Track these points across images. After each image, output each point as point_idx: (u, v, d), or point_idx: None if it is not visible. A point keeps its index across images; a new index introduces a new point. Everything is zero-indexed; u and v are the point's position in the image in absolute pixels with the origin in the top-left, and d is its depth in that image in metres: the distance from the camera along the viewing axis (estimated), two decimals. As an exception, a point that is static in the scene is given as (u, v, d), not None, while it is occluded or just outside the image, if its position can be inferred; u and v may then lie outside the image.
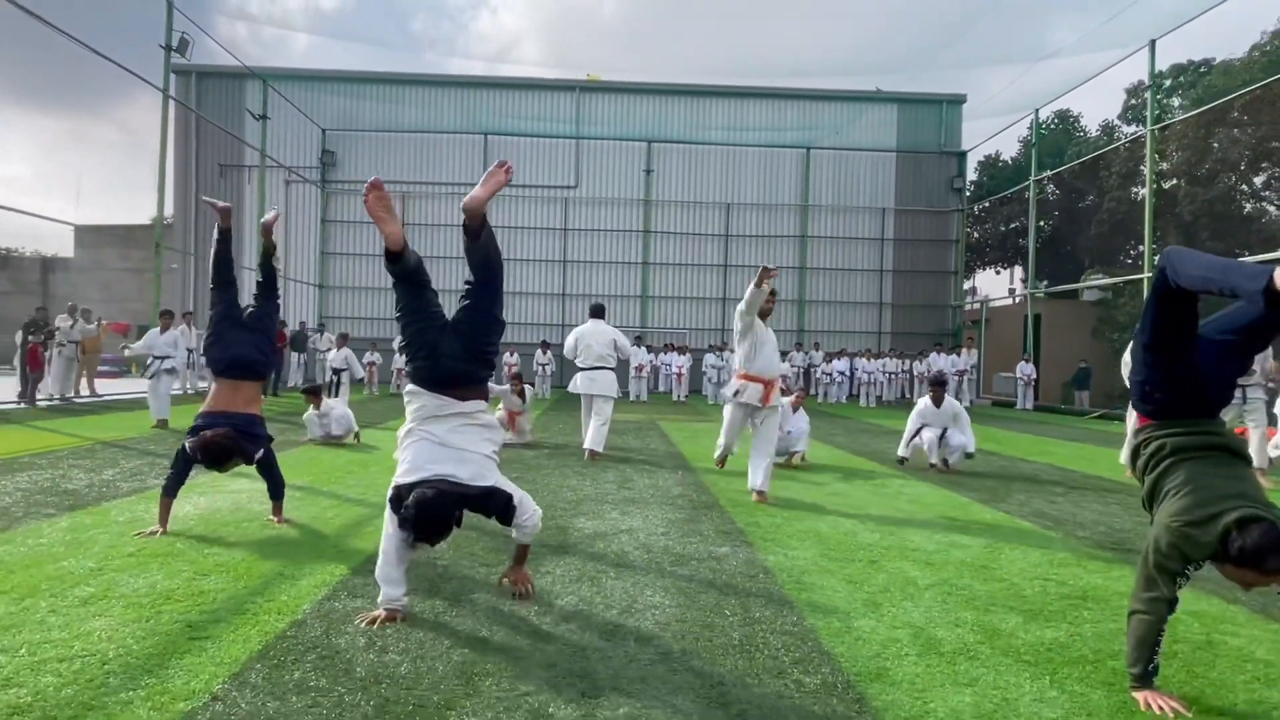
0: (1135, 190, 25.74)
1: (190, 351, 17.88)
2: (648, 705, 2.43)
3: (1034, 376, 21.67)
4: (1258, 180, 25.41)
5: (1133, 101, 27.79)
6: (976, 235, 36.05)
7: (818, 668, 2.78)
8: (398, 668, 2.69)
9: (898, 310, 26.51)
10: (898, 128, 26.49)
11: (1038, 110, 22.87)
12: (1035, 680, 2.73)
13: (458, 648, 2.88)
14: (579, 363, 8.62)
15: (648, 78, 31.11)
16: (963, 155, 26.85)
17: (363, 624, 3.04)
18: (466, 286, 3.39)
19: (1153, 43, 17.58)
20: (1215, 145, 24.38)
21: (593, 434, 8.23)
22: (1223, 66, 23.85)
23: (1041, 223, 32.98)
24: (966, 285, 38.47)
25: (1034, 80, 21.37)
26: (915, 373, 23.39)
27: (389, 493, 3.14)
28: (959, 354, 22.28)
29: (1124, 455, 7.41)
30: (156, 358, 10.40)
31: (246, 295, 5.10)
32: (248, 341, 4.70)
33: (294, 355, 20.81)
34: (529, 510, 3.31)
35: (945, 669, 2.80)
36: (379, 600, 3.15)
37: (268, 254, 4.96)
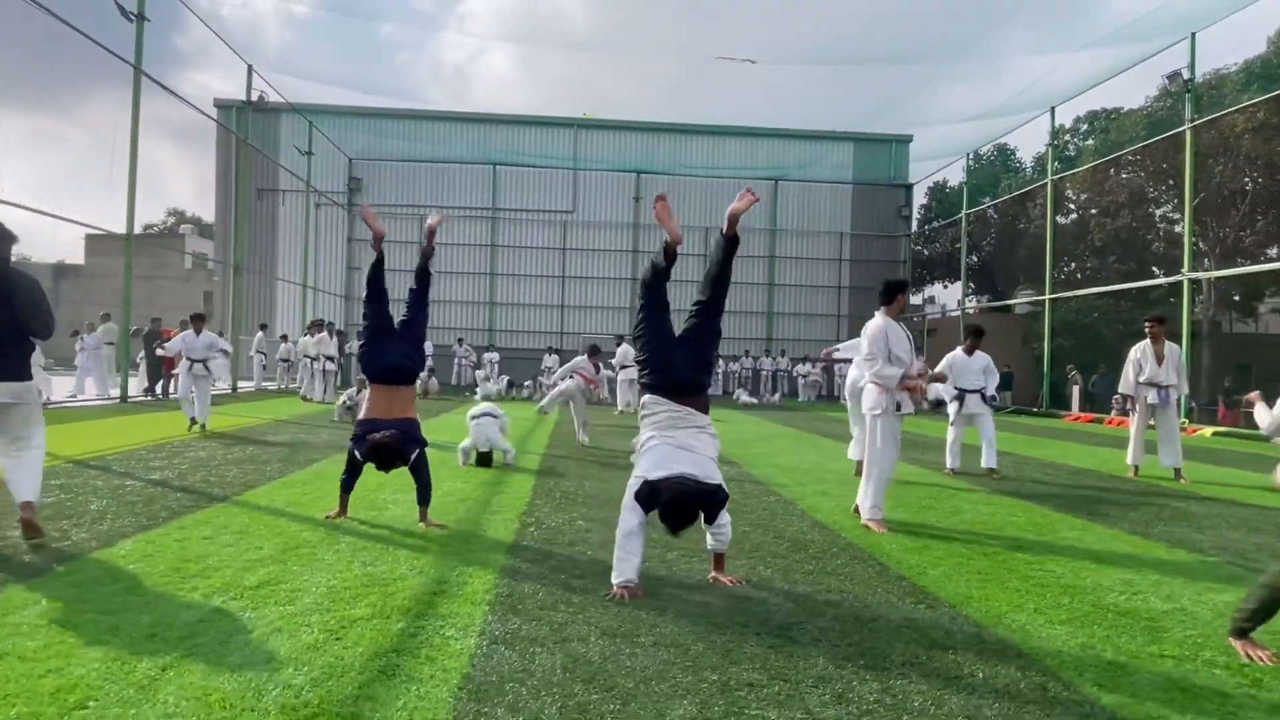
0: (1057, 219, 29.92)
1: (267, 353, 21.21)
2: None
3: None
4: (1157, 212, 29.72)
5: (1054, 143, 32.05)
6: (927, 253, 40.14)
7: (768, 496, 6.47)
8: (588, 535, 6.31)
9: (854, 321, 30.32)
10: (854, 163, 30.45)
11: (969, 155, 26.97)
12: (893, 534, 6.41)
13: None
14: (619, 364, 15.89)
15: (634, 109, 34.76)
16: (909, 187, 30.94)
17: (609, 596, 3.62)
18: (696, 306, 4.07)
19: (1052, 109, 21.68)
20: (1121, 185, 28.66)
21: (631, 400, 15.43)
22: (1117, 124, 28.12)
23: (984, 242, 37.16)
24: (925, 295, 42.96)
25: (968, 129, 25.41)
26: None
27: (634, 487, 3.70)
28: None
29: None
30: (191, 360, 10.31)
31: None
32: (399, 350, 5.07)
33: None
34: (726, 517, 3.79)
35: (845, 512, 6.49)
36: (615, 581, 3.67)
37: (425, 258, 5.42)
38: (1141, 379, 8.47)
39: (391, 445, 4.72)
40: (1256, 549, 5.12)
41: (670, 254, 4.05)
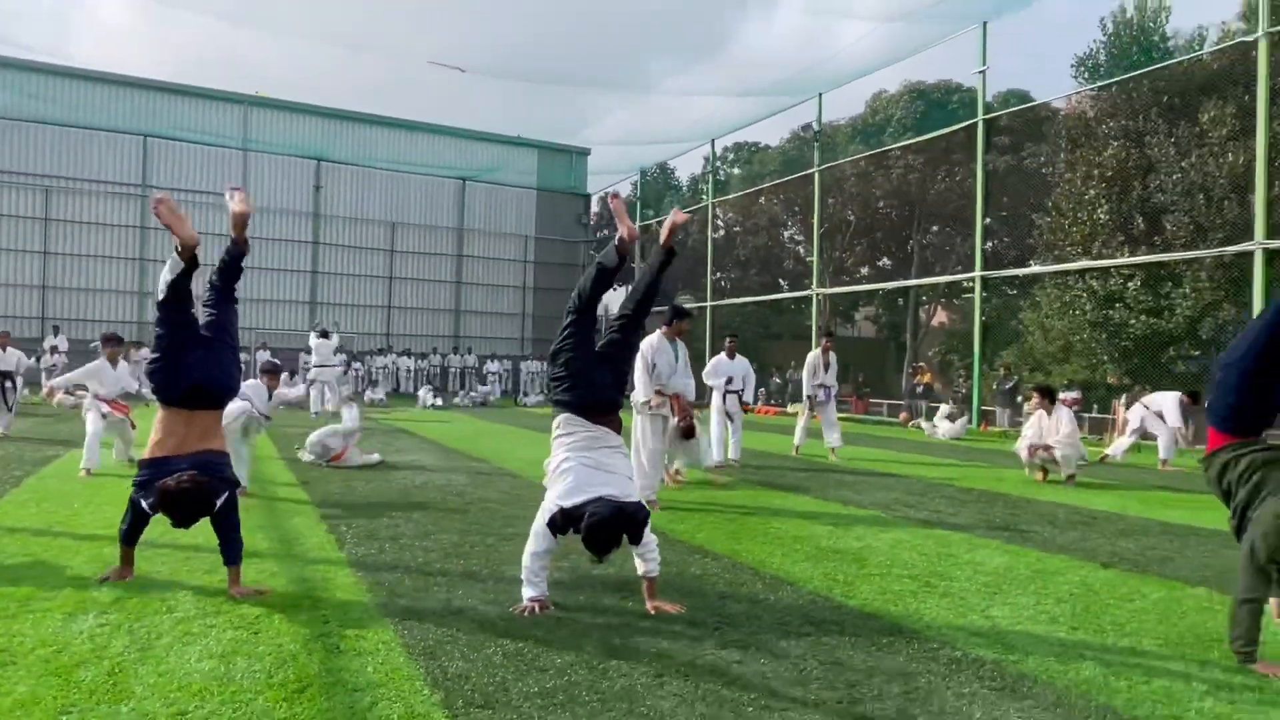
0: (708, 235, 34.28)
1: None
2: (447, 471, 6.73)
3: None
4: (786, 235, 35.46)
5: (712, 170, 36.73)
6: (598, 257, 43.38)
7: (534, 488, 7.29)
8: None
9: (539, 320, 31.95)
10: (538, 171, 32.00)
11: (642, 172, 29.91)
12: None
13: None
14: (315, 363, 15.36)
15: (311, 93, 32.93)
16: (587, 197, 33.33)
17: (522, 613, 3.57)
18: (620, 320, 4.07)
19: (712, 141, 25.06)
20: (762, 210, 33.76)
21: (337, 398, 14.64)
22: (759, 157, 33.20)
23: (650, 251, 41.22)
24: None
25: (640, 149, 28.31)
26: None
27: (549, 512, 3.63)
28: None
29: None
30: None
31: None
32: (210, 360, 3.90)
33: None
34: (652, 537, 3.72)
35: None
36: (526, 597, 3.64)
37: (238, 257, 4.15)
38: (815, 381, 10.63)
39: (193, 492, 3.59)
40: (895, 501, 7.11)
41: (623, 253, 3.97)
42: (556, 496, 3.68)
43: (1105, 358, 17.29)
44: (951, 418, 14.87)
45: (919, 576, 4.53)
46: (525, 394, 25.87)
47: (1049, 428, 8.64)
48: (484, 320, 31.15)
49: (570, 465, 3.73)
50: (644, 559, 3.71)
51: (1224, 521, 6.49)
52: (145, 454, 3.87)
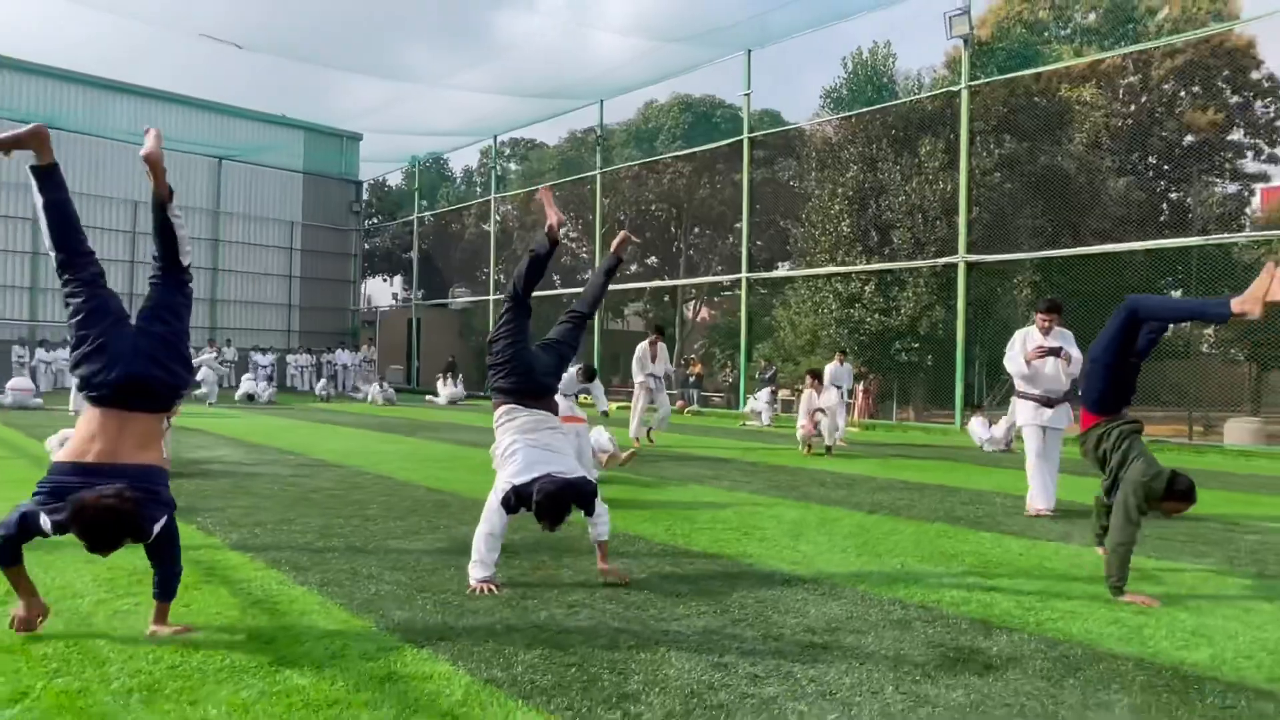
0: (484, 227, 34.35)
1: None
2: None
3: (417, 367, 28.14)
4: (562, 231, 36.51)
5: (485, 160, 36.81)
6: (368, 247, 41.74)
7: (363, 475, 7.52)
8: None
9: (305, 312, 30.39)
10: (304, 153, 30.34)
11: (415, 161, 29.48)
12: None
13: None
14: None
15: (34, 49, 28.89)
16: (359, 184, 32.20)
17: (472, 593, 3.79)
18: (571, 315, 4.47)
19: (495, 136, 25.41)
20: (538, 204, 34.51)
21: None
22: (536, 154, 33.97)
23: (423, 243, 40.39)
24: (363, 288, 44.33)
25: (417, 140, 27.96)
26: (322, 362, 28.07)
27: (502, 492, 3.90)
28: (360, 349, 27.64)
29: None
30: None
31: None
32: (145, 351, 3.17)
33: None
34: (603, 506, 4.03)
35: (434, 478, 7.78)
36: (476, 578, 3.86)
37: (160, 205, 3.25)
38: (646, 371, 11.46)
39: (119, 513, 2.85)
40: (700, 474, 8.22)
41: (553, 239, 4.22)
42: (508, 476, 3.94)
43: (847, 349, 19.99)
44: (769, 404, 16.43)
45: (739, 527, 5.55)
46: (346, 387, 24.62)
47: (819, 402, 10.31)
48: (245, 310, 29.09)
49: (519, 447, 4.01)
50: (595, 525, 4.06)
51: (943, 476, 8.30)
52: (61, 455, 3.13)
